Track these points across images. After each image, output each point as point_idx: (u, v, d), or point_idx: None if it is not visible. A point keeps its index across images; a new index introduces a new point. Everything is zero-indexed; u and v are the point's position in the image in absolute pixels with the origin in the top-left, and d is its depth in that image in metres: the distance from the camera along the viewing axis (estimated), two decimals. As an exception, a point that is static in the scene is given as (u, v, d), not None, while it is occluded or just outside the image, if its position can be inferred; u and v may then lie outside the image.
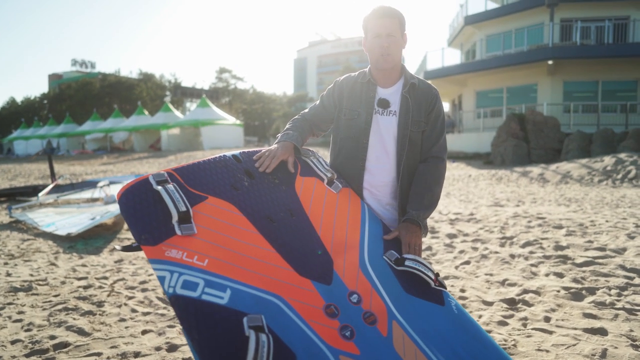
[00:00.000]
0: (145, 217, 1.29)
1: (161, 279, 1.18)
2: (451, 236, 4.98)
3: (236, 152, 1.66)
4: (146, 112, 36.28)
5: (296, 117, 1.97)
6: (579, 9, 19.17)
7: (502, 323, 2.71)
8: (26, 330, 2.70)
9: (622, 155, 11.06)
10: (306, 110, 1.99)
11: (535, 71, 19.00)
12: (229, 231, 1.36)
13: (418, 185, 1.79)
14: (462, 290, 3.32)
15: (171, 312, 3.05)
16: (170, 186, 1.36)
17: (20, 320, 2.84)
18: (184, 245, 1.25)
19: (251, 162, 1.63)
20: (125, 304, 3.17)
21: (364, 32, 1.82)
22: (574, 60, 17.96)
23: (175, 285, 1.16)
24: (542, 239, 4.52)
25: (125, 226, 6.17)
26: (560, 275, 3.46)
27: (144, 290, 3.51)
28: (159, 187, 1.35)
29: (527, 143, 15.28)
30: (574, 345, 2.35)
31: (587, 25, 18.84)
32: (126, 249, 1.49)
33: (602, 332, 2.48)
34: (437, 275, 1.56)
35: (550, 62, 17.71)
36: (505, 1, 23.09)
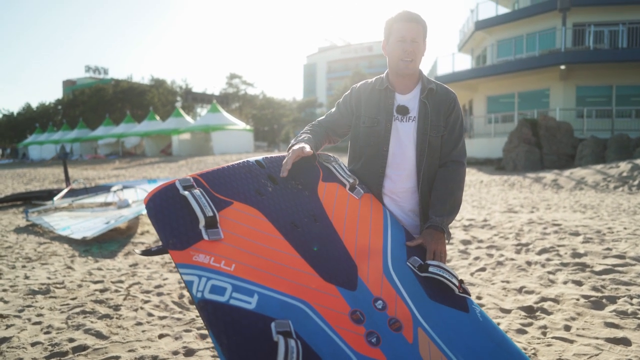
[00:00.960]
0: (173, 221, 1.30)
1: (189, 284, 1.19)
2: (465, 242, 4.93)
3: (259, 157, 1.67)
4: (157, 118, 36.62)
5: (313, 122, 1.97)
6: (591, 13, 18.99)
7: (521, 331, 2.67)
8: (45, 333, 2.73)
9: (639, 161, 10.88)
10: (323, 117, 2.00)
11: (547, 76, 18.84)
12: (255, 236, 1.36)
13: (439, 190, 1.77)
14: (479, 298, 3.29)
15: (187, 317, 3.07)
16: (197, 191, 1.37)
17: (39, 323, 2.87)
18: (211, 250, 1.26)
19: (274, 168, 1.64)
20: (142, 308, 3.19)
21: (386, 34, 1.81)
22: (587, 65, 17.76)
23: (203, 289, 1.17)
24: (559, 246, 4.46)
25: (139, 230, 6.22)
26: (579, 283, 3.40)
27: (159, 294, 3.53)
28: (186, 192, 1.36)
29: (540, 149, 15.11)
30: (597, 355, 2.31)
31: (601, 29, 18.64)
32: (146, 253, 1.50)
33: (625, 342, 2.43)
34: (461, 281, 1.55)
35: (562, 66, 17.54)
36: (516, 6, 22.98)
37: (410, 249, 1.61)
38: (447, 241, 1.76)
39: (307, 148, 1.68)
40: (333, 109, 1.99)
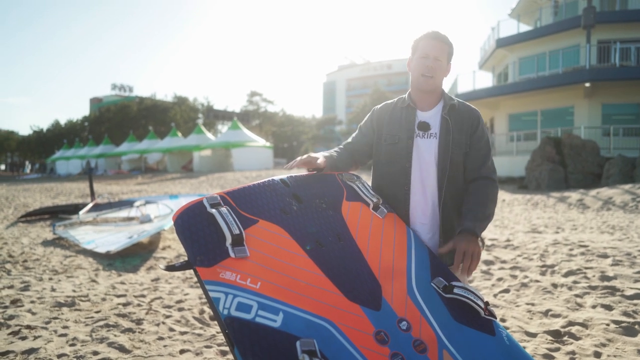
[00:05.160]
0: (201, 239, 1.33)
1: (216, 300, 1.21)
2: (488, 263, 4.83)
3: (284, 176, 1.69)
4: (179, 134, 37.38)
5: (339, 146, 2.01)
6: (617, 30, 18.70)
7: (548, 356, 2.59)
8: (71, 345, 2.78)
9: (669, 181, 10.51)
10: (347, 140, 2.04)
11: (571, 93, 18.53)
12: (280, 254, 1.38)
13: (470, 203, 1.76)
14: (503, 320, 3.20)
15: (208, 333, 3.08)
16: (224, 209, 1.40)
17: (65, 335, 2.93)
18: (238, 268, 1.28)
19: (298, 187, 1.66)
20: (163, 323, 3.22)
21: (412, 52, 1.86)
22: (613, 82, 17.42)
23: (230, 307, 1.19)
24: (586, 268, 4.32)
25: (161, 245, 6.32)
26: (608, 307, 3.28)
27: (180, 309, 3.56)
28: (213, 210, 1.39)
29: (564, 167, 14.77)
30: (630, 383, 2.21)
31: (627, 46, 18.29)
32: (169, 268, 1.52)
33: (660, 370, 2.33)
34: (486, 304, 1.52)
35: (587, 84, 17.25)
36: (539, 24, 22.83)
37: (434, 270, 1.60)
38: (482, 247, 1.72)
39: (320, 159, 1.72)
40: (356, 132, 2.03)
